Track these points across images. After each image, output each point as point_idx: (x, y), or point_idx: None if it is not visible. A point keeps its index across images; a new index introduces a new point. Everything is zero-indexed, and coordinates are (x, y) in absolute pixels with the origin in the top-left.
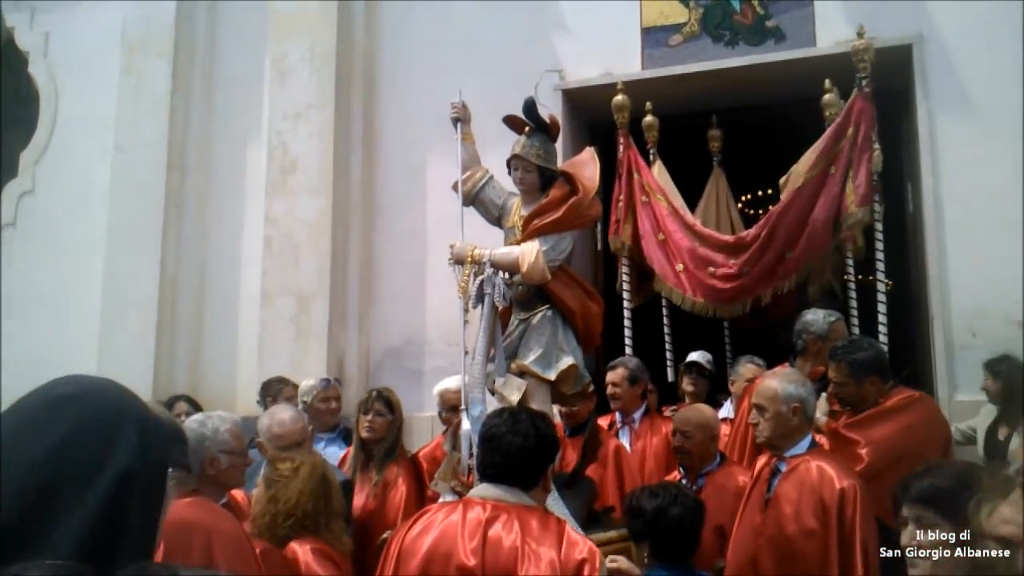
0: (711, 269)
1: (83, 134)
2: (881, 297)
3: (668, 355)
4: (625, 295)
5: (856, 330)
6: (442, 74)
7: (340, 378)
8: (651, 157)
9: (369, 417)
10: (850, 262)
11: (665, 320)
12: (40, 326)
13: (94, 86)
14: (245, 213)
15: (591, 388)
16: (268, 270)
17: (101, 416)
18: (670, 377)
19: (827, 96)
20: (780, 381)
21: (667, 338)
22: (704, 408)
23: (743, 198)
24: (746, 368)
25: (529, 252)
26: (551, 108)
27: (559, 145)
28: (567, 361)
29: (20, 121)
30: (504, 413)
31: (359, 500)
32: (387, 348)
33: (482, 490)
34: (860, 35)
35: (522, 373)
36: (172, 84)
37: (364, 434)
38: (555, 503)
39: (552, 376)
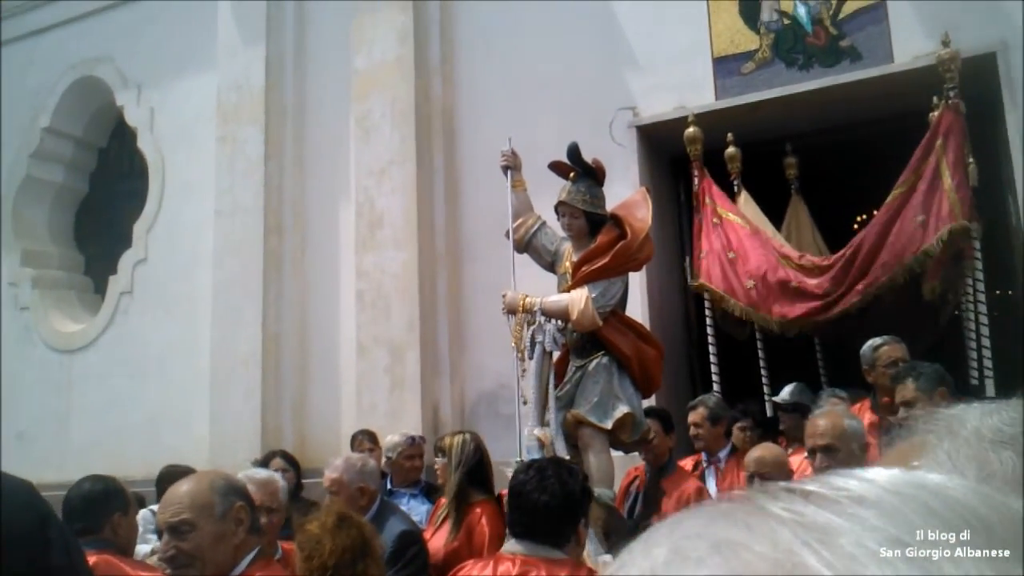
0: (793, 285)
1: (188, 202)
2: (984, 320)
3: (765, 390)
4: (709, 331)
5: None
6: (518, 120)
7: (436, 425)
8: (735, 188)
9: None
10: (968, 277)
11: (760, 354)
12: (154, 388)
13: (195, 155)
14: (340, 269)
15: (651, 435)
16: (361, 323)
17: None
18: (768, 413)
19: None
20: (845, 419)
21: (763, 372)
22: (774, 446)
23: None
24: (828, 404)
25: (578, 299)
26: (627, 146)
27: (638, 180)
28: (623, 409)
29: (132, 194)
30: (531, 468)
31: (440, 542)
32: (480, 393)
33: (511, 546)
34: (945, 44)
35: (579, 423)
36: (265, 149)
37: None
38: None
39: (608, 425)
